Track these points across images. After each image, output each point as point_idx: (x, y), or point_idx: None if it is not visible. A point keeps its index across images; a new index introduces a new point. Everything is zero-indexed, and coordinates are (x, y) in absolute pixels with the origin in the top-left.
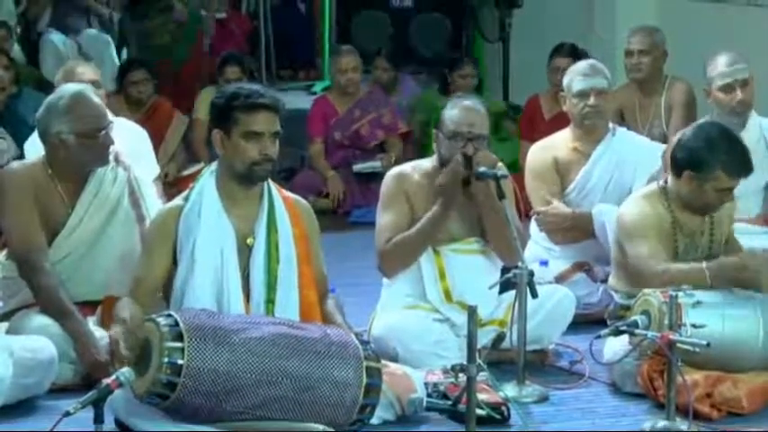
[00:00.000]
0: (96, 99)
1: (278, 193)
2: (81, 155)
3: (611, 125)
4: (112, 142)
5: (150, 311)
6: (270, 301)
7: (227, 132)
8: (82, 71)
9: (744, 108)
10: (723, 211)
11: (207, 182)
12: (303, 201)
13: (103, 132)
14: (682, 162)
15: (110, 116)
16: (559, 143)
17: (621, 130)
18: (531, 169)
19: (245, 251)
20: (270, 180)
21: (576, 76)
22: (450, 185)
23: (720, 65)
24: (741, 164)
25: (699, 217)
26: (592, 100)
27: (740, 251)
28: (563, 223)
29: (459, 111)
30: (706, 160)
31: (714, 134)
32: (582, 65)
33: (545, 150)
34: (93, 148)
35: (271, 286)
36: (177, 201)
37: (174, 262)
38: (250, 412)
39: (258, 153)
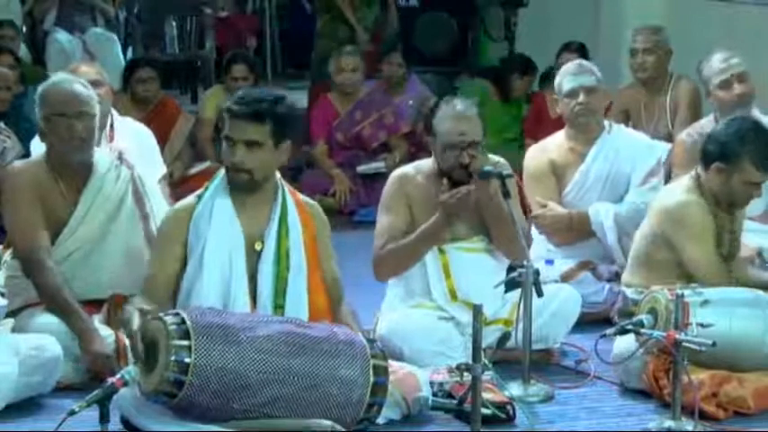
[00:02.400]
0: (76, 88)
1: (291, 197)
2: (52, 141)
3: (606, 123)
4: (85, 132)
5: (164, 310)
6: (279, 307)
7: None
8: (85, 71)
9: (744, 101)
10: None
11: (220, 183)
12: (314, 203)
13: (65, 117)
14: (711, 154)
15: (83, 106)
16: (554, 145)
17: (617, 127)
18: (528, 172)
19: (252, 256)
20: (284, 182)
21: (564, 77)
22: (455, 209)
23: (715, 63)
24: None
25: (725, 213)
26: (581, 98)
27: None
28: (560, 224)
29: (449, 121)
30: (734, 151)
31: (745, 127)
32: (569, 65)
33: (541, 153)
34: (58, 133)
35: (280, 292)
36: (191, 199)
37: (185, 260)
38: (257, 410)
39: (229, 160)
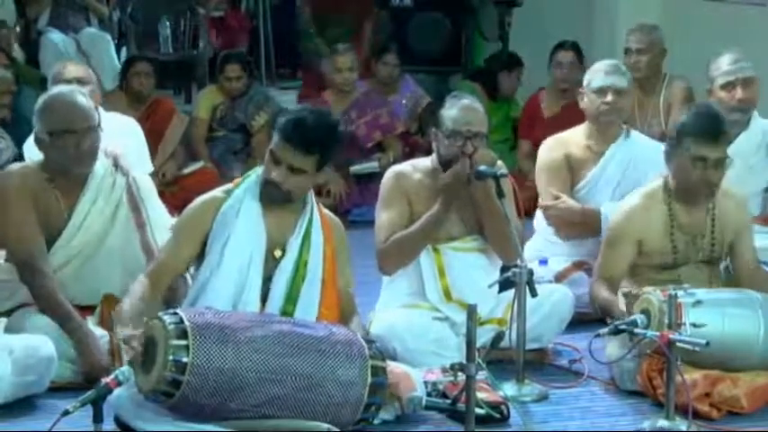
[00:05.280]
0: (80, 101)
1: (317, 211)
2: (55, 155)
3: (624, 126)
4: (92, 147)
5: (162, 297)
6: (286, 314)
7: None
8: (70, 69)
9: (743, 106)
10: (728, 216)
11: (252, 183)
12: (336, 218)
13: (74, 134)
14: (666, 146)
15: (90, 120)
16: (573, 140)
17: (635, 133)
18: (543, 163)
19: (270, 261)
20: (313, 195)
21: (597, 73)
22: (453, 186)
23: (723, 63)
24: (706, 127)
25: (700, 214)
26: (609, 98)
27: (752, 264)
28: (571, 217)
29: (457, 110)
30: (677, 131)
31: (689, 110)
32: (606, 62)
33: (558, 146)
34: (64, 149)
35: (290, 299)
36: (218, 193)
37: (201, 253)
38: (254, 410)
39: (269, 174)
